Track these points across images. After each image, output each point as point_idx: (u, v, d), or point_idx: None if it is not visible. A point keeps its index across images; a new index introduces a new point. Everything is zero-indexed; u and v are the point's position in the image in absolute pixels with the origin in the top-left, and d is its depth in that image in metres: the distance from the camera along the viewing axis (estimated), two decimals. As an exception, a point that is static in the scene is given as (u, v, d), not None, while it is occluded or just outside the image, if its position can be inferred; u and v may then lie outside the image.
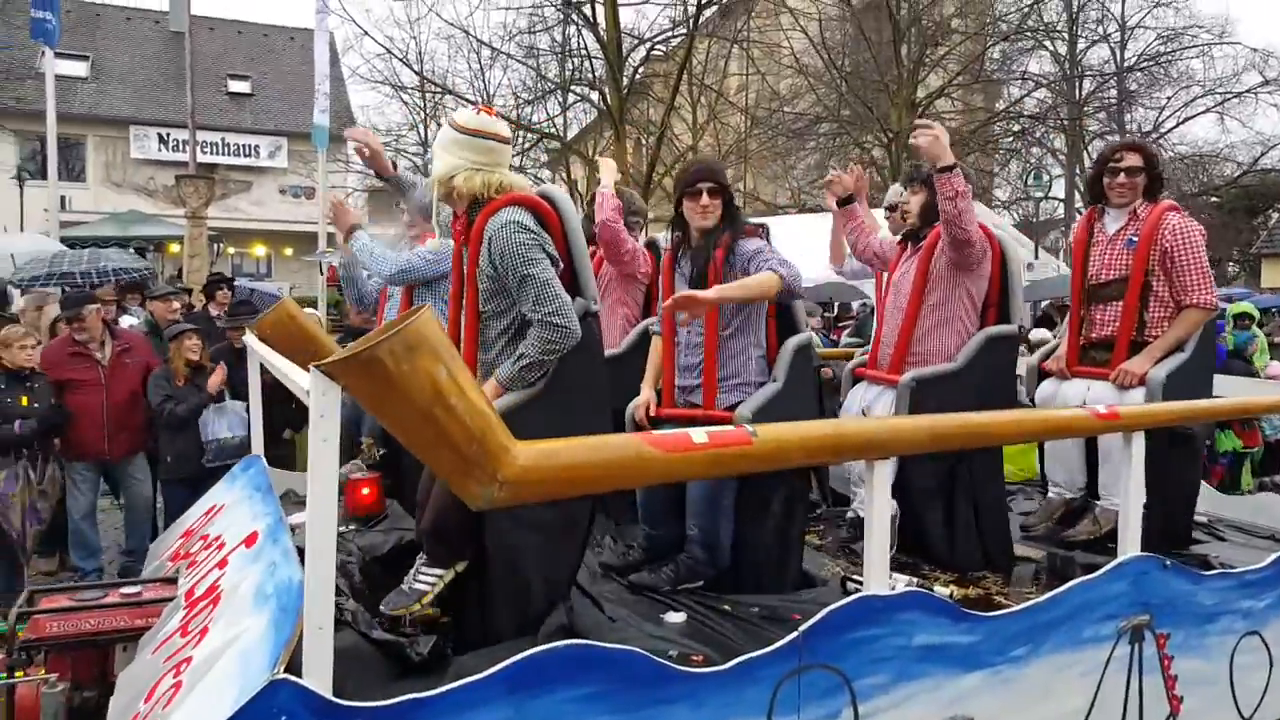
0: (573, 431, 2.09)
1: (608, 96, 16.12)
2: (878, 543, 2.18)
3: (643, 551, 3.22)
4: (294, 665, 1.73)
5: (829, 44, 18.35)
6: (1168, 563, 2.74)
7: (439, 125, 20.63)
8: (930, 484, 3.38)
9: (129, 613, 3.02)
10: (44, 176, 20.43)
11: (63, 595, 3.17)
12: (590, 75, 17.62)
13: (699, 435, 1.91)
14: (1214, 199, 23.66)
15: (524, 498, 1.74)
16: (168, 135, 24.44)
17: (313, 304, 14.69)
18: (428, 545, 2.69)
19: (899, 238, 3.78)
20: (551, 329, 2.54)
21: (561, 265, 2.66)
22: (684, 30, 16.46)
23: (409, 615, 2.56)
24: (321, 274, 15.95)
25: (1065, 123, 21.03)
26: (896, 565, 3.07)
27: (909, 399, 3.31)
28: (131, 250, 14.43)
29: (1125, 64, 22.49)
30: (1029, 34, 19.98)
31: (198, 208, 15.08)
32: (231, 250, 23.67)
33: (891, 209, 4.20)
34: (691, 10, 16.08)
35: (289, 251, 25.84)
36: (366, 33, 26.12)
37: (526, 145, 20.99)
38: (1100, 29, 22.75)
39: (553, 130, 19.18)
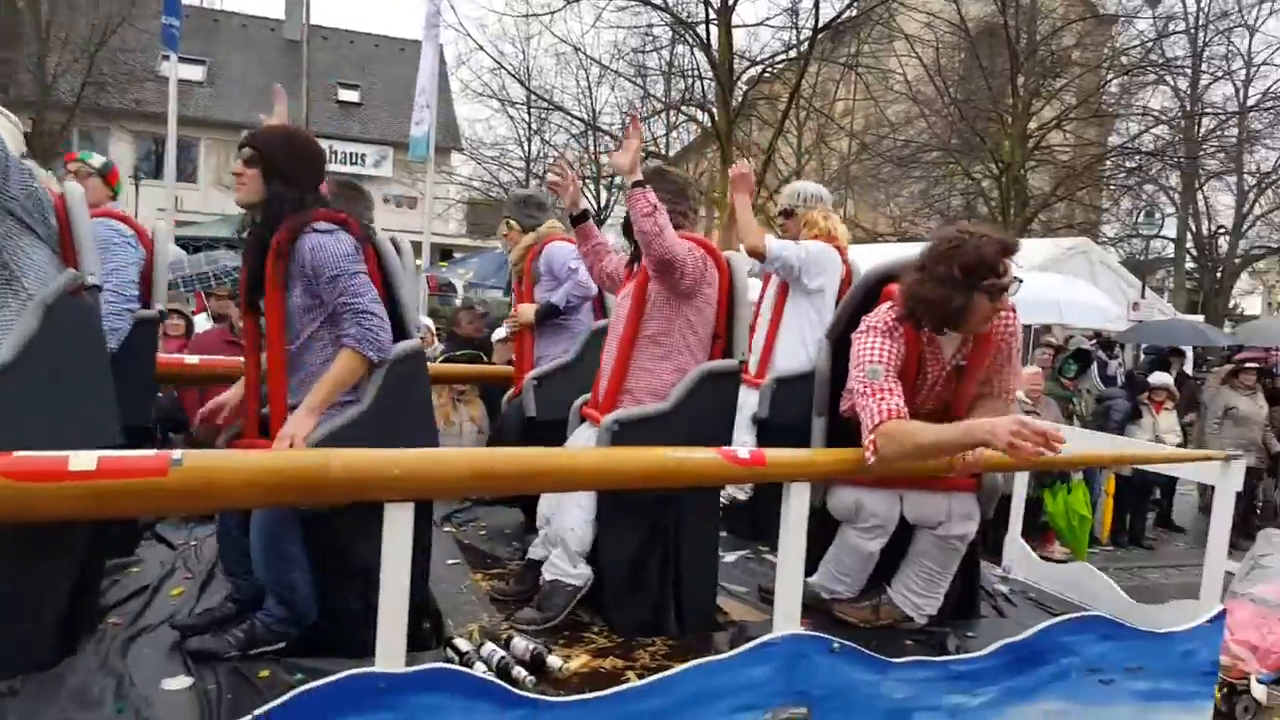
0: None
1: (715, 117, 16.08)
2: (387, 612, 1.75)
3: (234, 606, 2.65)
4: None
5: (944, 71, 17.99)
6: (836, 644, 2.31)
7: (544, 141, 20.81)
8: (615, 532, 2.93)
9: None
10: (158, 177, 21.36)
11: None
12: (699, 95, 17.60)
13: (84, 460, 1.53)
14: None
15: None
16: (278, 140, 25.22)
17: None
18: None
19: (628, 257, 3.25)
20: None
21: None
22: (796, 54, 16.34)
23: None
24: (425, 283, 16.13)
25: (1182, 161, 20.22)
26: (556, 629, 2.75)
27: (609, 444, 2.82)
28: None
29: (1248, 103, 21.52)
30: (1151, 68, 19.27)
31: (312, 212, 15.15)
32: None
33: (786, 214, 4.00)
34: (805, 34, 15.98)
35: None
36: (480, 47, 26.48)
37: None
38: (1225, 64, 21.82)
39: (655, 149, 19.21)
